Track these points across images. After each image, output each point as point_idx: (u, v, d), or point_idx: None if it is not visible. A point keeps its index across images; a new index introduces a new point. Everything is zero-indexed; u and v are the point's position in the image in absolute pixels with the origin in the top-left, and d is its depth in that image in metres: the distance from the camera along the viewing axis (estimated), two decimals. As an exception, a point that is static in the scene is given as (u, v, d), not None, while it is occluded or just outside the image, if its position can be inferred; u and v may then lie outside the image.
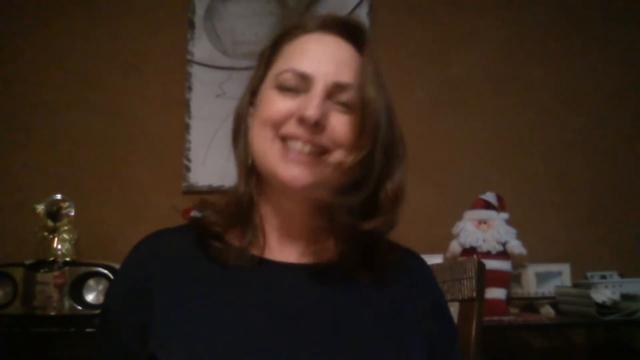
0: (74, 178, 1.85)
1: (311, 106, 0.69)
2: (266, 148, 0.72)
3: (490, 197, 1.60)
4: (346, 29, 0.75)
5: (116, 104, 1.92)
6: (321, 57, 0.72)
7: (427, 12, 1.95)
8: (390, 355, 0.70)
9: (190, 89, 1.92)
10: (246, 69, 1.92)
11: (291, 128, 0.70)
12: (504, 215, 1.58)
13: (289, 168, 0.70)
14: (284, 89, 0.72)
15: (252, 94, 0.78)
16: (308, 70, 0.71)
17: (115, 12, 1.98)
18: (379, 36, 1.93)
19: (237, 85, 1.91)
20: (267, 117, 0.72)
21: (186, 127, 1.89)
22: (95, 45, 1.96)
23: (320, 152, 0.71)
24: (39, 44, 1.96)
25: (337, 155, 0.71)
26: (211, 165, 1.86)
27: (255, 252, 0.74)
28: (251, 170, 0.76)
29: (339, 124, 0.71)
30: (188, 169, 1.87)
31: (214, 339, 0.67)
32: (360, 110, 0.71)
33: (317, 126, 0.69)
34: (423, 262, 0.84)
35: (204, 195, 0.79)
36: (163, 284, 0.72)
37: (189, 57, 1.94)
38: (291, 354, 0.67)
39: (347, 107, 0.72)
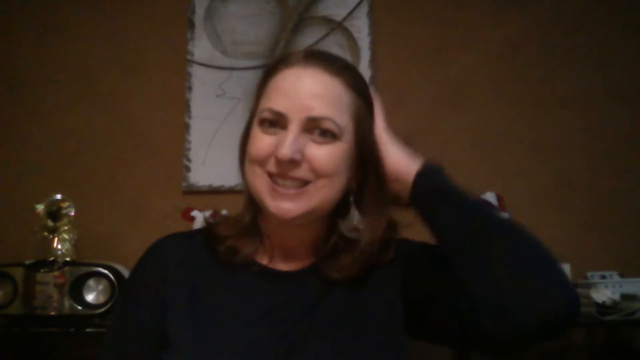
0: (74, 178, 1.85)
1: (284, 145, 0.73)
2: (257, 183, 0.77)
3: (490, 197, 1.60)
4: (326, 62, 0.79)
5: (116, 104, 1.92)
6: (296, 94, 0.75)
7: (427, 12, 1.95)
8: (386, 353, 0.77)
9: (190, 89, 1.92)
10: (246, 69, 1.92)
11: (273, 167, 0.75)
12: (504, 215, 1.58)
13: (277, 203, 0.75)
14: (265, 125, 0.76)
15: (249, 125, 0.82)
16: (282, 110, 0.75)
17: (115, 12, 1.98)
18: (379, 36, 1.93)
19: (237, 85, 1.91)
20: (253, 155, 0.77)
21: (186, 127, 1.89)
22: (95, 45, 1.96)
23: (303, 184, 0.75)
24: (39, 44, 1.96)
25: (320, 184, 0.75)
26: (211, 165, 1.86)
27: (262, 261, 0.82)
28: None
29: (317, 155, 0.75)
30: (188, 169, 1.87)
31: (222, 341, 0.74)
32: (338, 139, 0.76)
33: (293, 162, 0.74)
34: (406, 241, 0.85)
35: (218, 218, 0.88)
36: (177, 282, 0.78)
37: (189, 57, 1.94)
38: (295, 357, 0.73)
39: (325, 137, 0.75)
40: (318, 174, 0.75)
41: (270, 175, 0.75)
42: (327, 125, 0.75)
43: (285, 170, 0.74)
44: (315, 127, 0.75)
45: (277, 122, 0.75)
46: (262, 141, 0.76)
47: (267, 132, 0.76)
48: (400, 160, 0.81)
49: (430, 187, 0.79)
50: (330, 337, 0.75)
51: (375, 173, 0.80)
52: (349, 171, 0.78)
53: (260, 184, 0.76)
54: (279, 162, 0.73)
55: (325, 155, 0.75)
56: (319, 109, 0.74)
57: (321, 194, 0.75)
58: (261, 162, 0.76)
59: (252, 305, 0.77)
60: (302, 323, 0.76)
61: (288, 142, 0.73)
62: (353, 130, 0.78)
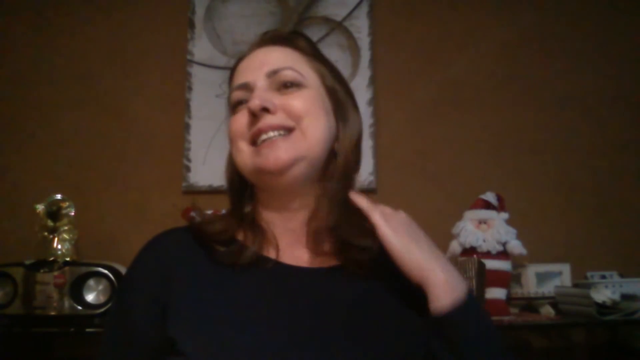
0: (74, 178, 1.85)
1: (253, 97, 0.77)
2: (244, 157, 0.78)
3: (490, 197, 1.60)
4: (276, 38, 0.84)
5: (116, 104, 1.92)
6: (253, 65, 0.81)
7: (427, 12, 1.95)
8: (399, 344, 0.73)
9: (190, 89, 1.92)
10: (246, 69, 1.92)
11: (252, 127, 0.77)
12: (504, 215, 1.58)
13: (266, 156, 0.75)
14: (236, 105, 0.81)
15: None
16: (245, 79, 0.80)
17: (115, 12, 1.98)
18: (379, 36, 1.93)
19: (237, 85, 1.91)
20: (233, 131, 0.80)
21: (186, 127, 1.89)
22: (95, 45, 1.96)
23: (288, 132, 0.76)
24: (39, 43, 1.96)
25: (304, 126, 0.77)
26: (211, 165, 1.86)
27: (269, 255, 0.78)
28: (245, 190, 0.83)
29: (290, 101, 0.77)
30: (188, 169, 1.87)
31: (232, 341, 0.68)
32: (305, 87, 0.79)
33: (267, 111, 0.76)
34: None
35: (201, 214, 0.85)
36: (180, 282, 0.73)
37: (189, 57, 1.94)
38: (307, 355, 0.69)
39: (292, 88, 0.78)
40: (297, 116, 0.76)
41: (254, 141, 0.76)
42: (289, 75, 0.78)
43: (262, 121, 0.75)
44: (279, 83, 0.78)
45: (244, 98, 0.79)
46: (238, 117, 0.79)
47: (239, 109, 0.80)
48: (422, 264, 0.72)
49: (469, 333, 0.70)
50: (357, 341, 0.71)
51: (346, 126, 0.82)
52: (327, 115, 0.80)
53: (247, 154, 0.77)
54: (253, 114, 0.76)
55: (296, 100, 0.78)
56: (277, 62, 0.79)
57: (308, 137, 0.76)
58: (242, 134, 0.78)
59: (272, 307, 0.72)
60: (324, 326, 0.71)
61: (256, 94, 0.77)
62: (318, 81, 0.81)
